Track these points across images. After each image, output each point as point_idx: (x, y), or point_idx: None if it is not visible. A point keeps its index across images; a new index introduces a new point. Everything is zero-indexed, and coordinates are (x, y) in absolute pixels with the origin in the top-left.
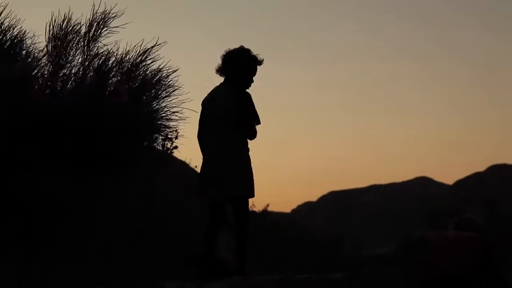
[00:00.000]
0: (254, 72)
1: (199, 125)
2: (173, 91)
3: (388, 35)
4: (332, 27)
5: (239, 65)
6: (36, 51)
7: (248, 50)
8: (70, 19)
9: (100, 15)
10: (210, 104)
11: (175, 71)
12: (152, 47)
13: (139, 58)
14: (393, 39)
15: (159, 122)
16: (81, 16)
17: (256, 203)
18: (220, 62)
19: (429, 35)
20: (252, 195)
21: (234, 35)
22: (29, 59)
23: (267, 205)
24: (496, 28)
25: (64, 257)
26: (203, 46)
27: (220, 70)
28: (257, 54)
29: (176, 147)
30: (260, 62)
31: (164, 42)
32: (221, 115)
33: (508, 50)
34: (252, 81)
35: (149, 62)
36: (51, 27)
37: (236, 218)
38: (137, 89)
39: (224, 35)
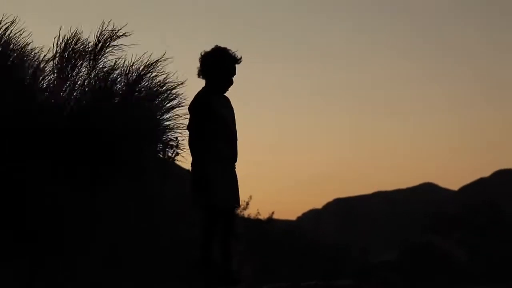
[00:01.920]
0: (232, 71)
1: None
2: (178, 104)
3: (392, 37)
4: (336, 29)
5: (216, 66)
6: (42, 62)
7: (225, 49)
8: (78, 36)
9: (108, 33)
10: None
11: (181, 83)
12: (157, 60)
13: (145, 70)
14: (397, 41)
15: (162, 130)
16: (89, 32)
17: (261, 211)
18: (199, 65)
19: (433, 37)
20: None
21: (235, 39)
22: (34, 69)
23: (272, 213)
24: (502, 30)
25: (67, 265)
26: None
27: (199, 74)
28: (235, 52)
29: (178, 154)
30: (238, 61)
31: (170, 57)
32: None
33: None
34: (231, 81)
35: (153, 74)
36: (59, 41)
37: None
38: (142, 98)
39: (226, 40)
